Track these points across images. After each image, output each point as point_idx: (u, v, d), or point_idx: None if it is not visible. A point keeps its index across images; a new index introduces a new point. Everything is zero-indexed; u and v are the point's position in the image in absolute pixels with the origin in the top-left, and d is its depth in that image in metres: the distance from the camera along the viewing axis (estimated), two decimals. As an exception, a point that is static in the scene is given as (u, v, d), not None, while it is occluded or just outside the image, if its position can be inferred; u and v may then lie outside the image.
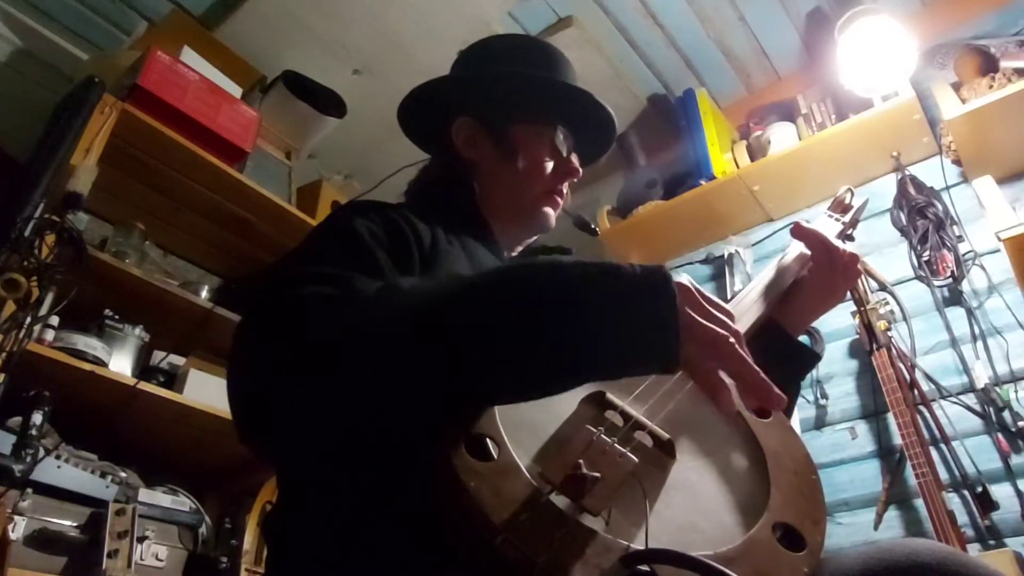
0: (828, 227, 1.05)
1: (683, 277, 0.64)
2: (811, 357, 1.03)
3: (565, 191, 1.10)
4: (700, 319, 0.62)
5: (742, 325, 0.84)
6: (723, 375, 0.62)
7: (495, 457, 0.58)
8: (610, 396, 0.68)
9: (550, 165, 1.07)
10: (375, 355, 0.61)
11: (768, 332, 0.94)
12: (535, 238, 1.12)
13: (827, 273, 0.98)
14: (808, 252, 1.00)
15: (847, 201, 1.12)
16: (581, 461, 0.58)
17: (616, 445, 0.61)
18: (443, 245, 0.89)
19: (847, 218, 1.09)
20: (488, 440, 0.59)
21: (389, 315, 0.64)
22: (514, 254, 1.11)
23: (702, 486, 0.66)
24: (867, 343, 1.95)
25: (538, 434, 0.63)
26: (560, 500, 0.56)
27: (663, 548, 0.54)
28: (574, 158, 1.10)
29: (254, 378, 0.66)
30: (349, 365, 0.62)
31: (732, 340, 0.62)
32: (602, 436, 0.61)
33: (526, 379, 0.61)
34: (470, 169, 1.07)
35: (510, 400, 0.63)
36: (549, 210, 1.08)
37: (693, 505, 0.64)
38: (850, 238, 1.10)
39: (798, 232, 1.00)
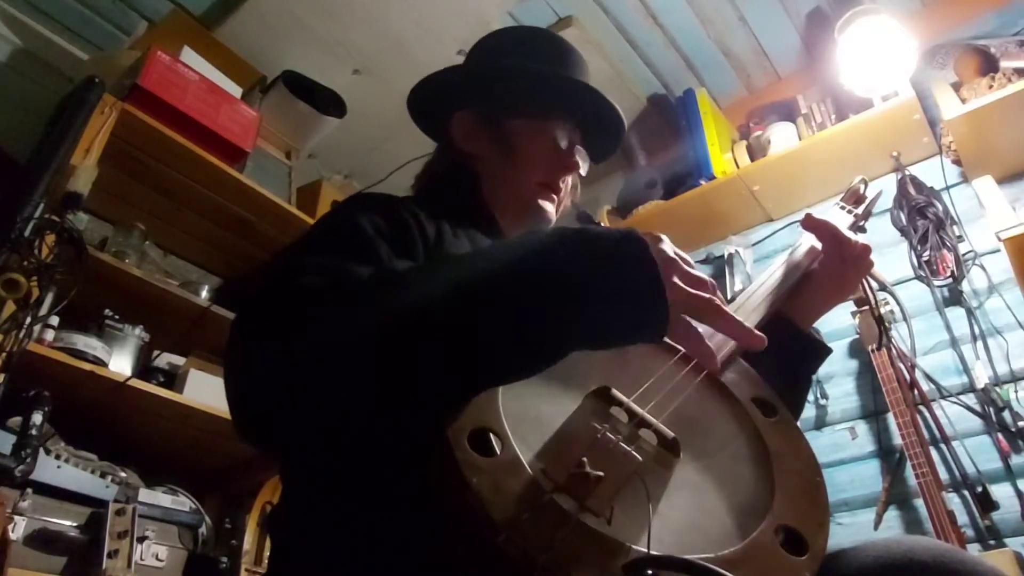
0: (840, 219, 1.03)
1: (666, 243, 0.67)
2: (822, 349, 1.01)
3: (566, 185, 1.09)
4: (682, 282, 0.65)
5: (750, 323, 0.83)
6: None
7: (498, 452, 0.57)
8: (615, 392, 0.67)
9: (546, 159, 1.06)
10: (371, 351, 0.61)
11: (778, 325, 0.93)
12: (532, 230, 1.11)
13: (838, 265, 0.97)
14: (819, 245, 0.99)
15: (861, 192, 1.10)
16: (585, 459, 0.57)
17: (621, 443, 0.60)
18: (448, 238, 0.89)
19: (860, 210, 1.07)
20: (491, 435, 0.58)
21: (385, 309, 0.63)
22: None
23: (706, 486, 0.66)
24: (877, 338, 1.92)
25: (542, 429, 0.62)
26: (563, 499, 0.56)
27: (664, 555, 0.54)
28: (579, 153, 1.09)
29: (251, 373, 0.65)
30: (346, 361, 0.61)
31: (713, 297, 0.66)
32: (607, 434, 0.61)
33: (518, 360, 0.62)
34: (470, 163, 1.06)
35: (506, 380, 0.63)
36: (545, 204, 1.06)
37: (696, 505, 0.63)
38: (862, 230, 1.07)
39: (809, 223, 0.99)
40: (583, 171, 1.11)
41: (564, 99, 1.07)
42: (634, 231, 0.65)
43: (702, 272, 0.68)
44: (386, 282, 0.67)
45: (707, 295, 0.66)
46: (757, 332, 0.70)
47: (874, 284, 2.09)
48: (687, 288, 0.65)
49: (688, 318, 0.67)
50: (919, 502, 1.78)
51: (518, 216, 1.06)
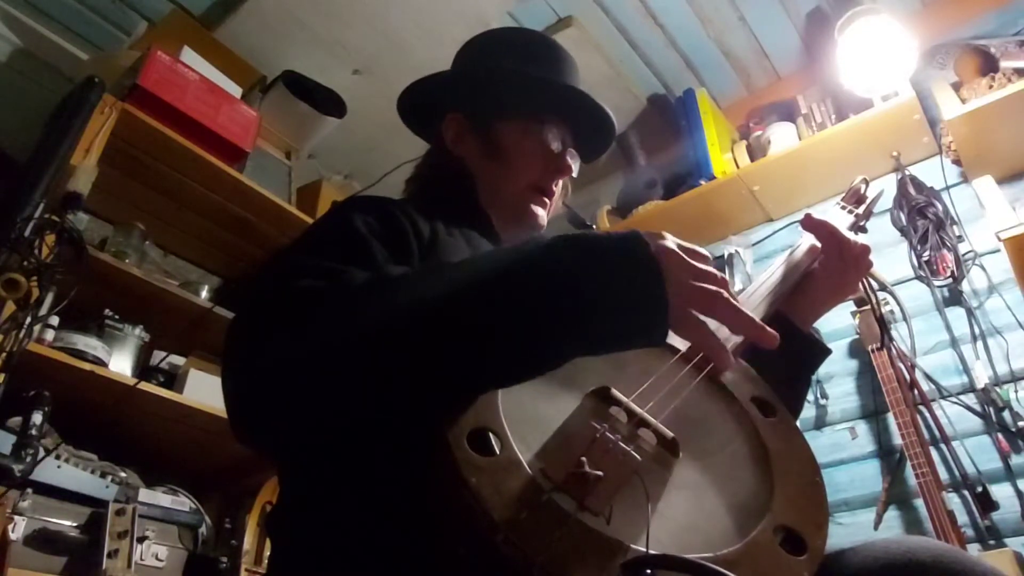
0: (840, 219, 1.03)
1: (668, 239, 0.66)
2: (821, 350, 1.02)
3: (557, 188, 1.09)
4: (687, 279, 0.64)
5: None
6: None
7: (497, 452, 0.57)
8: (615, 392, 0.67)
9: (536, 162, 1.05)
10: (369, 352, 0.61)
11: (777, 325, 0.93)
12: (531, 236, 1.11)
13: (838, 266, 0.97)
14: (819, 245, 0.99)
15: (862, 191, 1.10)
16: (584, 459, 0.57)
17: (620, 443, 0.60)
18: (443, 237, 0.89)
19: (860, 210, 1.07)
20: (490, 434, 0.58)
21: (381, 312, 0.63)
22: None
23: (705, 486, 0.66)
24: (878, 338, 1.92)
25: (541, 429, 0.62)
26: (562, 498, 0.56)
27: (664, 554, 0.54)
28: (570, 155, 1.08)
29: (249, 374, 0.66)
30: (344, 363, 0.61)
31: (721, 291, 0.65)
32: (606, 433, 0.61)
33: (517, 366, 0.62)
34: (462, 165, 1.06)
35: (504, 385, 0.63)
36: (536, 208, 1.06)
37: (695, 505, 0.63)
38: (862, 230, 1.08)
39: (808, 224, 0.99)
40: (574, 173, 1.11)
41: (553, 101, 1.07)
42: (635, 232, 0.64)
43: (709, 265, 0.67)
44: (385, 284, 0.67)
45: (714, 288, 0.65)
46: (767, 329, 0.68)
47: (874, 284, 2.09)
48: (692, 283, 0.64)
49: (696, 312, 0.65)
50: (919, 502, 1.78)
51: (505, 219, 1.05)
